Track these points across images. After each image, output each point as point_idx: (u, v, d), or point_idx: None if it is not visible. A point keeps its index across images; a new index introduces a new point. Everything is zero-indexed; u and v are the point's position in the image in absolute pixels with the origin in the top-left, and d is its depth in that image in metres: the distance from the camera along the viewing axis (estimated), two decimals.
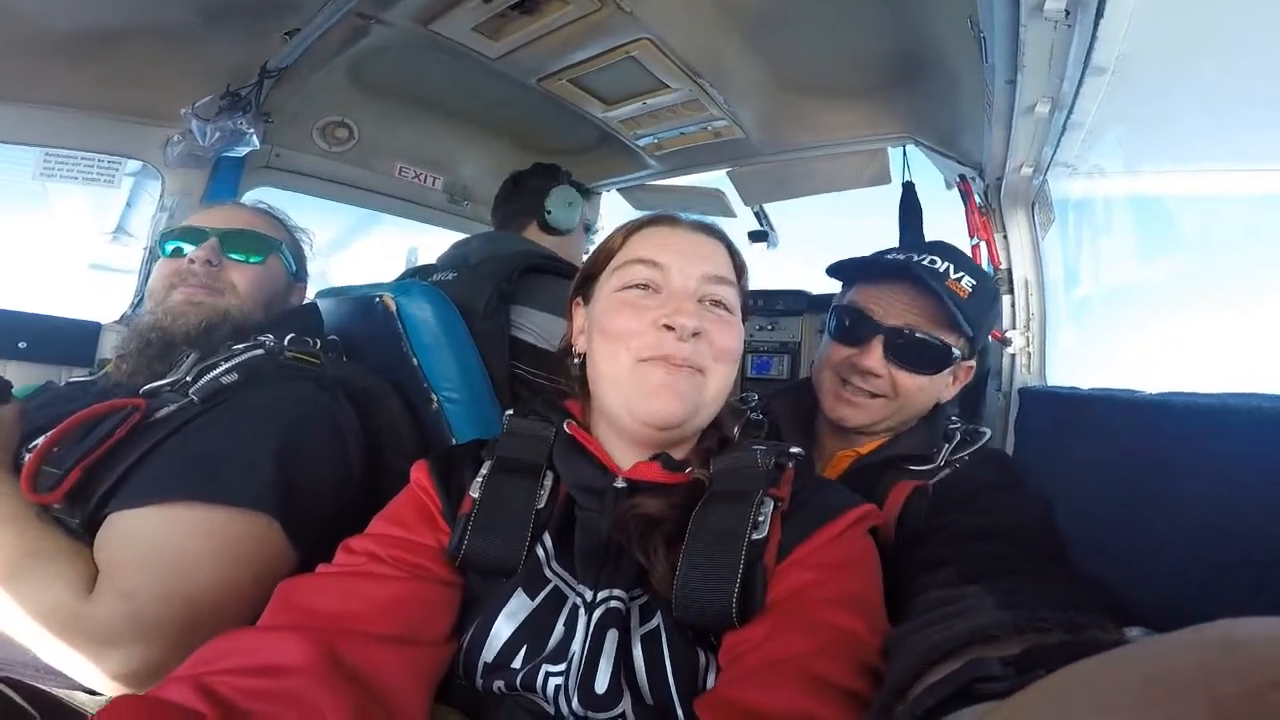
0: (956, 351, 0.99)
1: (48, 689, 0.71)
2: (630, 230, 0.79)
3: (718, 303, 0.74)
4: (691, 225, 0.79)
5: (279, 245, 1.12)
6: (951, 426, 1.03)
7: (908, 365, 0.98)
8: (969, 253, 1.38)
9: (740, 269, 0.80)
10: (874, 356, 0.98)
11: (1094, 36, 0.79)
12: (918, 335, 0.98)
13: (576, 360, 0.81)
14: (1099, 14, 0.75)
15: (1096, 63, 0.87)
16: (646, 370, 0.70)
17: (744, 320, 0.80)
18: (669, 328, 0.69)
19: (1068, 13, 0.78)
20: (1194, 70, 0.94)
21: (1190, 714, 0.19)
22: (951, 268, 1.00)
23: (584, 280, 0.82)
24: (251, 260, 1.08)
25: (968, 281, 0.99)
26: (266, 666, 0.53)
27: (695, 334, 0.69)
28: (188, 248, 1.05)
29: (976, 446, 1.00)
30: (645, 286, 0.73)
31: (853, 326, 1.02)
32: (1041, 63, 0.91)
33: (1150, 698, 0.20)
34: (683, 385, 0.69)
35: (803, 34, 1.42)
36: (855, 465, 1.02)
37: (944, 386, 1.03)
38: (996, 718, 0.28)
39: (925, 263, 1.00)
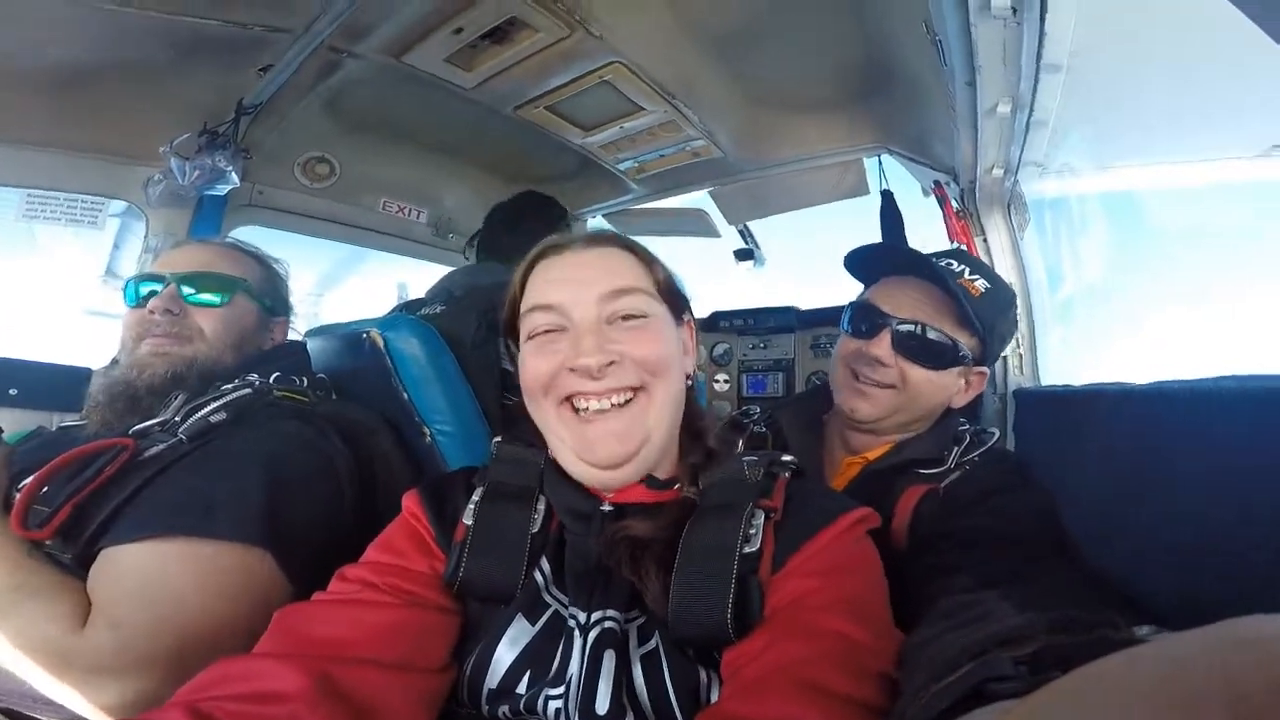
0: (965, 350, 1.00)
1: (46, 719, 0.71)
2: (524, 273, 0.76)
3: (628, 315, 0.70)
4: (581, 243, 0.75)
5: (243, 283, 1.09)
6: (961, 429, 1.03)
7: (915, 358, 0.99)
8: None
9: (650, 263, 0.76)
10: (882, 346, 1.00)
11: (1042, 33, 0.81)
12: (926, 329, 0.99)
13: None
14: (1044, 9, 0.76)
15: (1049, 60, 0.88)
16: (576, 423, 0.68)
17: (684, 310, 0.77)
18: (575, 370, 0.67)
19: (1014, 10, 0.80)
20: (1148, 65, 0.95)
21: (1211, 714, 0.18)
22: (967, 270, 1.02)
23: (509, 329, 0.79)
24: (214, 303, 1.05)
25: (981, 283, 1.01)
26: (261, 693, 0.53)
27: (609, 364, 0.67)
28: (148, 292, 1.02)
29: (986, 448, 1.00)
30: (549, 331, 0.70)
31: (865, 321, 1.04)
32: (996, 62, 0.92)
33: (1170, 697, 0.20)
34: (616, 425, 0.67)
35: (769, 49, 1.44)
36: (865, 472, 1.02)
37: (956, 391, 1.03)
38: (1012, 718, 0.27)
39: (941, 263, 1.02)
